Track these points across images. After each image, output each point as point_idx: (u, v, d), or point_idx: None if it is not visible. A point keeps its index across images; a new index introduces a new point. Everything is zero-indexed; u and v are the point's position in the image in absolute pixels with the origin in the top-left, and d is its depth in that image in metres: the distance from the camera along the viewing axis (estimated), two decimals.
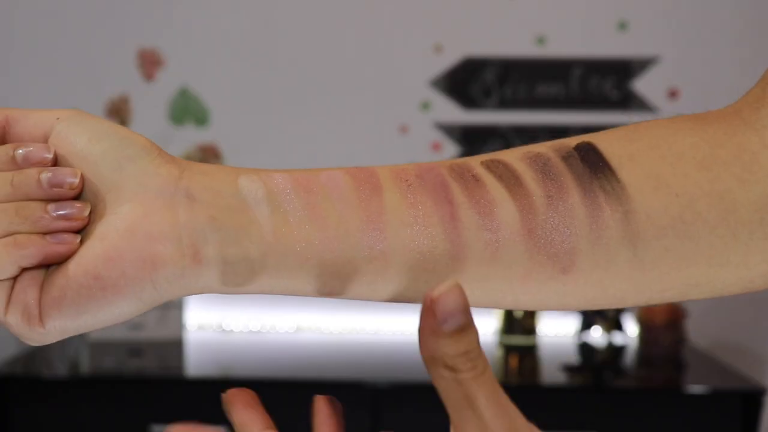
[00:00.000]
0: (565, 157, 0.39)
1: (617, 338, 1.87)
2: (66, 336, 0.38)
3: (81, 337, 1.86)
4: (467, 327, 0.31)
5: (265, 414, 0.43)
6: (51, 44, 1.97)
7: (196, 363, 1.77)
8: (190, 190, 0.37)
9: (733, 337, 1.95)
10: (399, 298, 0.40)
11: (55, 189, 0.37)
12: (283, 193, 0.38)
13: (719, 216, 0.38)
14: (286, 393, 1.58)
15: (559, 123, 1.97)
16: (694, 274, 0.39)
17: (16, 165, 0.37)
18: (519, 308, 0.41)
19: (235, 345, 1.88)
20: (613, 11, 1.95)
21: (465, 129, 1.98)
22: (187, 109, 1.99)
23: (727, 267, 0.39)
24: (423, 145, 1.98)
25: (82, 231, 0.37)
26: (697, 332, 1.89)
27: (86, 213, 0.37)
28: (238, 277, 0.38)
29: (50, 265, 0.37)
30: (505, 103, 1.98)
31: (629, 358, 1.81)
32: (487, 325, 1.96)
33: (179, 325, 1.85)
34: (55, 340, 0.38)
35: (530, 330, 1.86)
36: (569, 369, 1.73)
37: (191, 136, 1.98)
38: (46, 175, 0.37)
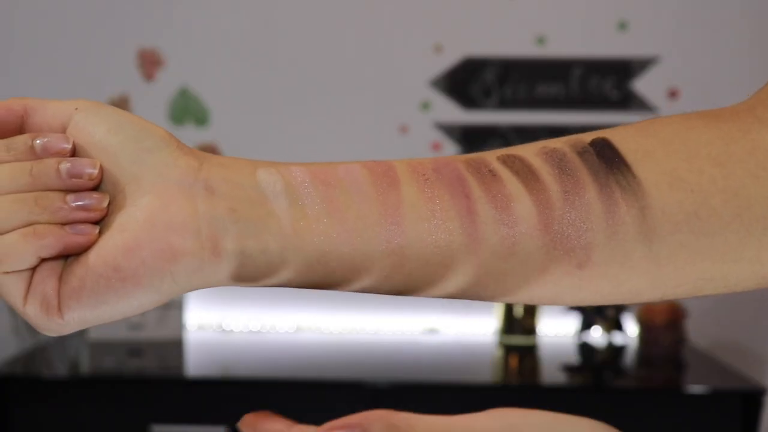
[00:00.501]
0: (581, 153, 0.39)
1: (617, 338, 1.87)
2: (84, 327, 0.37)
3: (81, 337, 1.86)
4: None
5: (288, 420, 0.43)
6: (51, 44, 1.97)
7: (196, 363, 1.77)
8: (209, 182, 0.38)
9: (733, 337, 1.95)
10: (415, 292, 0.40)
11: (74, 179, 0.37)
12: (302, 186, 0.38)
13: (734, 212, 0.38)
14: (286, 393, 1.58)
15: (559, 123, 1.97)
16: (708, 269, 0.39)
17: (34, 155, 0.37)
18: (533, 302, 0.41)
19: (235, 345, 1.88)
20: (613, 11, 1.95)
21: (465, 129, 1.98)
22: (187, 109, 1.99)
23: (741, 263, 0.39)
24: (423, 145, 1.98)
25: (101, 222, 0.38)
26: (697, 332, 1.89)
27: (105, 204, 0.37)
28: (257, 270, 0.38)
29: (69, 255, 0.37)
30: (505, 103, 1.98)
31: (629, 358, 1.81)
32: (487, 325, 1.96)
33: (179, 325, 1.85)
34: (73, 331, 0.38)
35: (530, 330, 1.86)
36: (569, 369, 1.73)
37: (191, 136, 1.98)
38: (65, 165, 0.37)
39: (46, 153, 0.37)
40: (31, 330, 1.87)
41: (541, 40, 1.96)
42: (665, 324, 1.76)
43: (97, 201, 0.37)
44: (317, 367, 1.69)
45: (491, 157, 0.40)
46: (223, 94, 1.99)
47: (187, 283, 0.37)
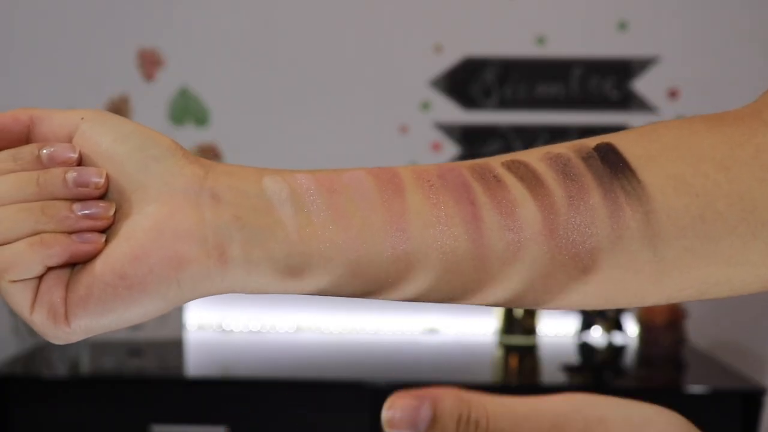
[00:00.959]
0: (585, 158, 0.39)
1: (617, 338, 1.87)
2: (91, 335, 0.38)
3: None
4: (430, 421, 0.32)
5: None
6: (51, 44, 1.97)
7: (196, 363, 1.77)
8: (215, 190, 0.38)
9: (733, 337, 1.95)
10: (421, 298, 0.40)
11: (80, 188, 0.37)
12: (307, 194, 0.38)
13: (739, 216, 0.38)
14: (286, 393, 1.58)
15: (559, 123, 1.97)
16: (713, 273, 0.39)
17: (41, 164, 0.38)
18: (540, 308, 0.41)
19: (235, 345, 1.88)
20: (613, 11, 1.95)
21: (465, 129, 1.98)
22: (187, 109, 1.99)
23: (747, 266, 0.39)
24: (423, 145, 1.98)
25: (108, 230, 0.38)
26: (697, 332, 1.89)
27: (111, 212, 0.38)
28: (262, 278, 0.38)
29: (75, 264, 0.37)
30: (505, 103, 1.98)
31: (629, 358, 1.81)
32: (487, 325, 1.96)
33: (179, 325, 1.85)
34: (79, 339, 0.38)
35: (530, 330, 1.86)
36: (569, 369, 1.73)
37: (191, 136, 1.98)
38: (71, 174, 0.37)
39: (53, 162, 0.37)
40: (31, 330, 1.87)
41: (541, 40, 1.96)
42: (665, 324, 1.76)
43: (103, 210, 0.37)
44: (317, 367, 1.69)
45: (495, 162, 0.40)
46: (223, 94, 1.99)
47: (192, 291, 0.37)
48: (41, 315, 0.37)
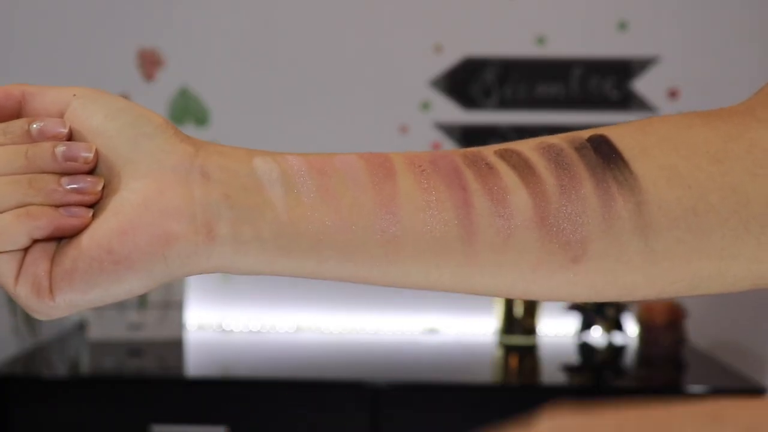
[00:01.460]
0: (578, 148, 0.40)
1: (617, 338, 1.86)
2: (75, 310, 0.37)
3: (81, 337, 1.86)
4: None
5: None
6: (51, 44, 1.97)
7: (196, 363, 1.77)
8: (205, 168, 0.38)
9: (733, 337, 1.95)
10: (409, 283, 0.40)
11: (69, 162, 0.37)
12: (298, 174, 0.38)
13: (731, 209, 0.38)
14: (286, 393, 1.58)
15: (559, 123, 1.97)
16: (705, 266, 0.39)
17: (31, 139, 0.38)
18: (529, 297, 0.41)
19: (235, 345, 1.88)
20: (613, 11, 1.95)
21: (465, 129, 1.98)
22: (187, 109, 1.99)
23: (738, 260, 0.39)
24: (423, 145, 1.98)
25: (95, 205, 0.38)
26: (697, 332, 1.89)
27: (99, 187, 0.38)
28: (250, 257, 0.38)
29: (62, 238, 0.37)
30: (505, 103, 1.98)
31: (629, 358, 1.81)
32: (487, 325, 1.96)
33: (179, 325, 1.85)
34: (63, 315, 0.38)
35: (530, 330, 1.86)
36: (569, 369, 1.73)
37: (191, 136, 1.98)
38: (60, 148, 0.37)
39: (42, 137, 0.37)
40: (31, 330, 1.87)
41: (541, 40, 1.96)
42: (665, 324, 1.76)
43: (91, 184, 0.37)
44: (317, 367, 1.69)
45: (488, 151, 0.40)
46: (223, 94, 1.99)
47: (179, 268, 0.37)
48: (25, 288, 0.37)
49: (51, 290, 0.37)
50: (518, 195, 0.38)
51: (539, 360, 1.80)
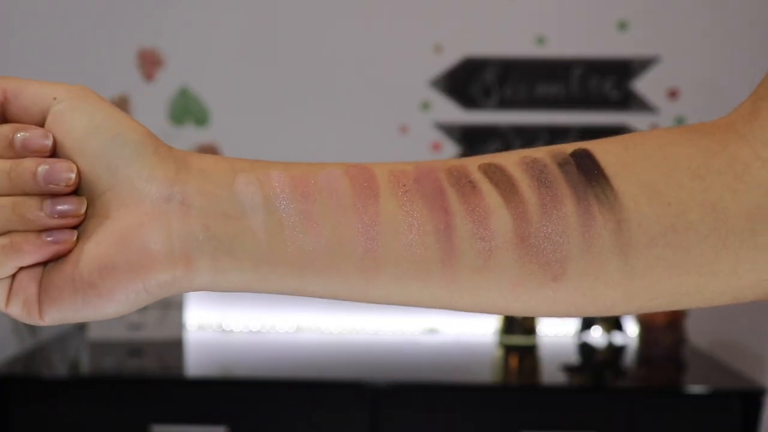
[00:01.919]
0: (561, 164, 0.40)
1: (617, 338, 1.87)
2: (67, 322, 0.39)
3: (81, 337, 1.86)
4: None
5: None
6: (51, 44, 1.97)
7: (196, 363, 1.77)
8: (185, 195, 0.38)
9: (733, 337, 1.95)
10: (390, 302, 0.40)
11: (51, 185, 0.37)
12: (280, 197, 0.38)
13: (711, 225, 0.39)
14: (286, 393, 1.58)
15: (559, 123, 1.97)
16: (684, 282, 0.40)
17: (13, 150, 0.37)
18: (510, 314, 0.41)
19: (235, 345, 1.88)
20: (613, 11, 1.95)
21: (465, 129, 1.98)
22: (187, 109, 1.99)
23: (717, 276, 0.39)
24: (423, 145, 1.98)
25: (80, 225, 0.38)
26: (697, 332, 1.89)
27: (83, 210, 0.38)
28: (230, 283, 0.39)
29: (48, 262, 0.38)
30: (505, 103, 1.98)
31: (629, 358, 1.81)
32: (487, 325, 1.96)
33: (179, 325, 1.85)
34: (56, 324, 0.40)
35: (530, 330, 1.86)
36: (569, 369, 1.73)
37: (191, 136, 1.98)
38: (43, 168, 0.37)
39: (26, 149, 0.37)
40: (31, 330, 1.87)
41: (541, 40, 1.96)
42: (665, 324, 1.76)
43: (75, 208, 0.38)
44: (317, 367, 1.69)
45: (473, 166, 0.40)
46: (223, 94, 1.99)
47: (160, 294, 0.38)
48: (17, 308, 0.38)
49: (40, 312, 0.38)
50: (500, 215, 0.39)
51: (539, 360, 1.80)
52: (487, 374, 1.77)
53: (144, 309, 1.82)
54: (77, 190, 0.38)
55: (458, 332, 1.97)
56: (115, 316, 0.39)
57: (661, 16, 1.95)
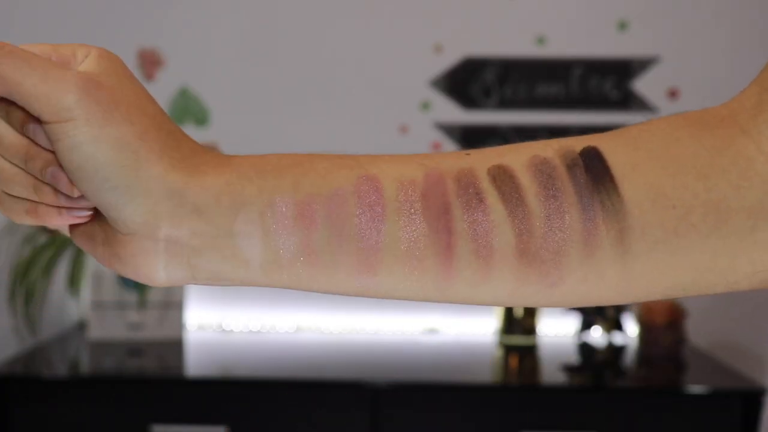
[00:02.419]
0: (570, 166, 0.40)
1: (617, 338, 1.86)
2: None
3: (81, 337, 1.86)
4: None
5: None
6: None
7: (196, 363, 1.77)
8: (176, 237, 0.38)
9: (733, 337, 1.95)
10: (386, 298, 0.42)
11: (53, 182, 0.38)
12: (281, 229, 0.38)
13: (712, 226, 0.39)
14: (286, 393, 1.58)
15: (559, 123, 1.97)
16: (681, 280, 0.40)
17: (36, 171, 0.39)
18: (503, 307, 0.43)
19: (235, 345, 1.88)
20: (613, 11, 1.95)
21: (465, 129, 1.98)
22: (187, 109, 1.99)
23: (714, 271, 0.40)
24: (423, 145, 1.98)
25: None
26: (697, 332, 1.89)
27: (89, 213, 0.40)
28: (226, 285, 0.40)
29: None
30: (505, 103, 1.98)
31: (629, 358, 1.81)
32: (487, 325, 1.96)
33: (179, 325, 1.85)
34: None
35: (530, 330, 1.86)
36: (569, 369, 1.73)
37: (191, 136, 1.98)
38: (50, 170, 0.37)
39: (49, 181, 0.38)
40: (31, 330, 1.87)
41: (541, 40, 1.96)
42: (665, 324, 1.76)
43: (83, 211, 0.40)
44: (317, 367, 1.69)
45: (482, 170, 0.40)
46: (223, 94, 1.99)
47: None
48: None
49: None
50: (503, 232, 0.39)
51: (539, 360, 1.80)
52: (487, 374, 1.77)
53: (144, 309, 1.82)
54: None
55: (458, 332, 1.97)
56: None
57: (661, 16, 1.95)
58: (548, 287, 0.40)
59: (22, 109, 0.36)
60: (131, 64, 1.98)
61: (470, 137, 1.98)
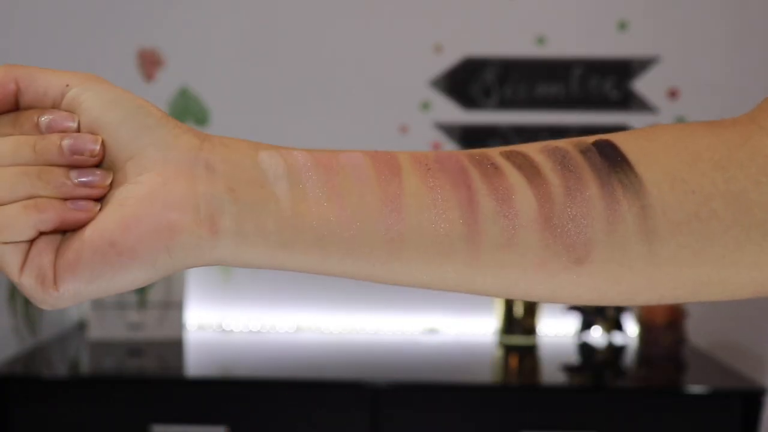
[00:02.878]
0: (584, 151, 0.40)
1: (617, 338, 1.86)
2: (79, 301, 0.38)
3: (81, 337, 1.86)
4: None
5: None
6: (51, 44, 1.97)
7: (196, 363, 1.77)
8: (210, 161, 0.38)
9: (733, 337, 1.95)
10: (412, 282, 0.40)
11: (76, 156, 0.37)
12: (303, 170, 0.38)
13: (734, 216, 0.38)
14: (286, 393, 1.58)
15: (559, 123, 1.97)
16: (707, 272, 0.39)
17: (39, 131, 0.38)
18: (530, 298, 0.41)
19: (235, 345, 1.88)
20: (613, 11, 1.95)
21: (465, 129, 1.98)
22: (187, 109, 1.99)
23: (740, 267, 0.39)
24: (423, 145, 1.98)
25: (102, 198, 0.38)
26: (697, 332, 1.89)
27: (108, 181, 0.38)
28: (252, 251, 0.38)
29: (66, 231, 0.38)
30: (505, 103, 1.98)
31: (629, 358, 1.81)
32: (487, 325, 1.96)
33: (179, 325, 1.85)
34: (68, 305, 0.38)
35: (530, 330, 1.86)
36: (569, 369, 1.73)
37: None
38: (67, 141, 0.37)
39: (51, 131, 0.37)
40: (31, 330, 1.87)
41: (541, 40, 1.96)
42: (665, 324, 1.76)
43: (100, 178, 0.37)
44: (317, 367, 1.69)
45: (494, 152, 0.40)
46: (223, 94, 1.99)
47: (182, 260, 0.37)
48: (30, 278, 0.37)
49: (55, 281, 0.37)
50: (523, 195, 0.38)
51: (539, 360, 1.80)
52: (487, 374, 1.77)
53: (144, 309, 1.82)
54: (101, 166, 0.38)
55: (458, 332, 1.97)
56: (132, 287, 0.37)
57: (661, 16, 1.95)
58: (575, 263, 0.39)
59: (28, 110, 0.38)
60: (131, 64, 1.98)
61: (470, 137, 1.98)
